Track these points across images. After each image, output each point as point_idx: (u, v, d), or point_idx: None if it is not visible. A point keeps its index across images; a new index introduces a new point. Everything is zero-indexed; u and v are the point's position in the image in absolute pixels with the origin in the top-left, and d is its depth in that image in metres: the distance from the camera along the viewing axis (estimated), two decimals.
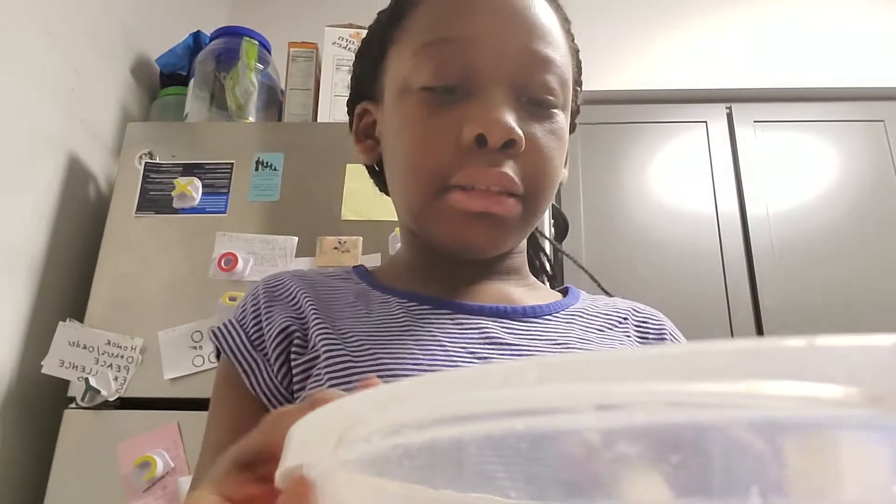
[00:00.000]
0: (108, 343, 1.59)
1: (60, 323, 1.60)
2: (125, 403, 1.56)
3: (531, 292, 0.73)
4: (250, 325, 0.68)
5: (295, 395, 0.64)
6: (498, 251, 0.68)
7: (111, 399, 1.55)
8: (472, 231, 0.63)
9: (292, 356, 0.65)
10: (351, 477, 0.26)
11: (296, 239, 1.67)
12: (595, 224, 2.25)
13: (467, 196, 0.61)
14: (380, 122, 0.72)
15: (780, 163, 2.36)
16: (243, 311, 0.70)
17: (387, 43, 0.70)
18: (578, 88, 0.75)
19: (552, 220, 1.74)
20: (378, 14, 0.74)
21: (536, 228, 0.83)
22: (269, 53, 2.08)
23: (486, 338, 0.63)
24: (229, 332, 0.69)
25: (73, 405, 1.55)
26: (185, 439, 1.49)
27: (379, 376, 0.55)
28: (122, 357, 1.57)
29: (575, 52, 0.72)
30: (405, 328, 0.64)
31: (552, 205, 1.77)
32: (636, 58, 2.56)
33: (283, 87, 2.04)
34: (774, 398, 0.16)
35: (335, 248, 1.65)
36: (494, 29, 0.63)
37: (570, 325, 0.68)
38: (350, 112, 0.78)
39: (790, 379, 0.16)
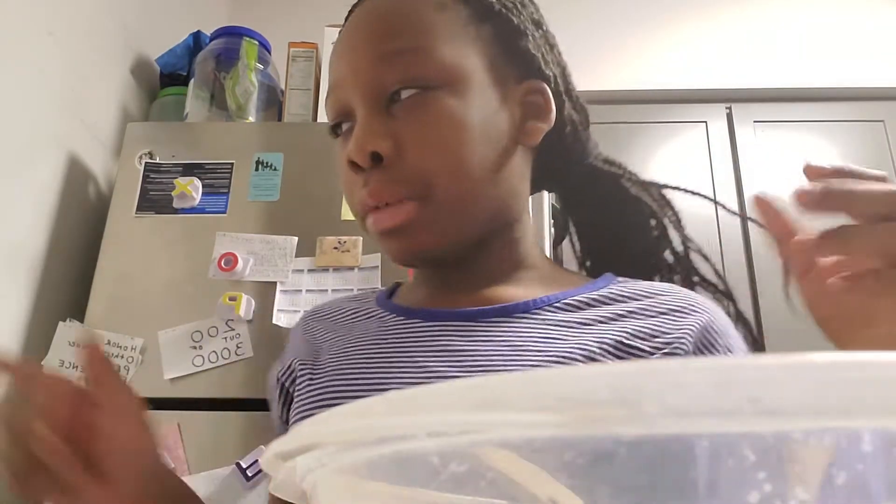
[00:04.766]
0: (108, 343, 1.59)
1: (60, 323, 1.61)
2: None
3: (535, 285, 0.69)
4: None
5: None
6: (430, 253, 0.66)
7: None
8: (391, 247, 0.65)
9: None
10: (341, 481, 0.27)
11: (296, 239, 1.67)
12: None
13: (372, 219, 0.64)
14: None
15: (780, 163, 2.36)
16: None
17: None
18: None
19: (552, 220, 1.74)
20: None
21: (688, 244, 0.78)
22: (269, 53, 2.08)
23: (440, 345, 0.63)
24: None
25: None
26: (185, 439, 1.49)
27: (331, 395, 0.65)
28: (122, 357, 1.58)
29: (498, 27, 0.68)
30: (371, 342, 0.67)
31: (552, 205, 1.77)
32: (636, 58, 2.56)
33: (283, 87, 2.04)
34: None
35: (335, 248, 1.65)
36: (349, 60, 0.66)
37: (544, 321, 0.64)
38: None
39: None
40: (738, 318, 0.75)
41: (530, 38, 0.70)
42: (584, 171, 0.77)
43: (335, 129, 0.70)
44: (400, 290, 0.77)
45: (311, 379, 0.68)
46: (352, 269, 1.63)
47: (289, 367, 0.72)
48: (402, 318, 0.68)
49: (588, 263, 0.82)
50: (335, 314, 0.75)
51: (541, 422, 0.17)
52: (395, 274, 1.60)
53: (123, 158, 1.80)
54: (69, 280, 1.75)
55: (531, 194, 0.77)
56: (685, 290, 0.68)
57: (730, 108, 2.45)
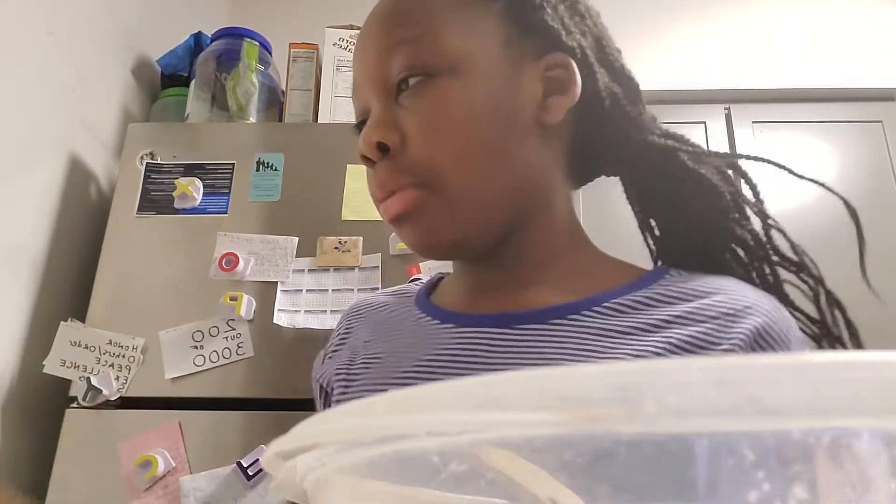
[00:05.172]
0: (110, 343, 1.59)
1: (62, 323, 1.61)
2: (126, 403, 1.56)
3: (575, 281, 0.65)
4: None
5: None
6: (443, 242, 0.64)
7: (112, 398, 1.55)
8: (404, 236, 0.65)
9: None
10: (344, 480, 0.27)
11: (296, 239, 1.67)
12: (594, 224, 2.25)
13: (383, 209, 0.64)
14: None
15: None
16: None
17: None
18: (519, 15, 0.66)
19: None
20: None
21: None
22: (270, 54, 2.08)
23: (472, 356, 0.61)
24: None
25: (74, 405, 1.55)
26: (187, 439, 1.49)
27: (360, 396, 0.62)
28: (123, 357, 1.58)
29: (515, 10, 0.66)
30: (405, 348, 0.66)
31: None
32: (635, 58, 2.55)
33: (283, 87, 2.04)
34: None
35: (335, 248, 1.65)
36: (362, 60, 0.67)
37: (582, 329, 0.60)
38: None
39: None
40: (829, 302, 0.68)
41: (548, 10, 0.66)
42: (640, 150, 0.69)
43: (359, 127, 0.68)
44: (441, 284, 0.75)
45: (346, 385, 0.67)
46: (352, 268, 1.63)
47: (325, 373, 0.72)
48: (436, 321, 0.66)
49: (659, 262, 0.75)
50: (376, 311, 0.74)
51: (541, 421, 0.17)
52: (396, 274, 1.60)
53: (124, 159, 1.80)
54: (70, 280, 1.75)
55: (584, 184, 0.74)
56: (741, 290, 0.61)
57: (728, 109, 2.45)
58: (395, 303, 0.74)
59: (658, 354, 0.56)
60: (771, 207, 0.71)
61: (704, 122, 2.42)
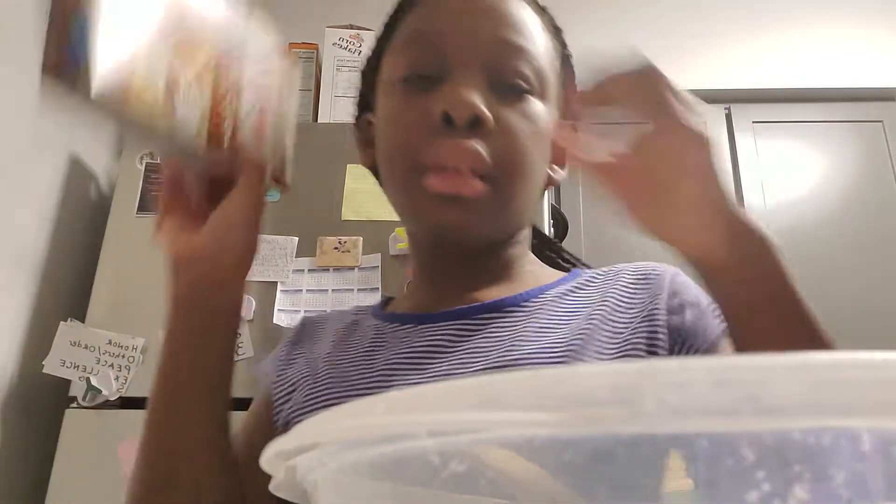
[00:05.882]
0: (109, 343, 1.59)
1: (62, 323, 1.61)
2: (126, 403, 1.56)
3: (521, 283, 0.72)
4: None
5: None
6: (471, 235, 0.67)
7: (112, 398, 1.55)
8: (444, 214, 0.64)
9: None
10: (345, 480, 0.27)
11: (296, 239, 1.67)
12: (595, 224, 2.25)
13: (439, 179, 0.63)
14: (374, 125, 0.74)
15: (779, 163, 2.36)
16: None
17: (381, 53, 0.74)
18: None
19: (552, 221, 1.74)
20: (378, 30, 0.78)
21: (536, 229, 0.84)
22: None
23: (436, 345, 0.65)
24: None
25: (74, 405, 1.55)
26: None
27: (328, 403, 0.65)
28: (123, 357, 1.58)
29: (564, 57, 0.74)
30: (369, 350, 0.69)
31: (552, 205, 1.77)
32: None
33: None
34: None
35: (335, 248, 1.65)
36: (465, 20, 0.67)
37: (535, 312, 0.67)
38: (357, 127, 0.80)
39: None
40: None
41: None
42: None
43: (411, 81, 0.67)
44: (393, 302, 0.79)
45: (311, 388, 0.69)
46: (352, 268, 1.63)
47: (287, 382, 0.75)
48: (396, 324, 0.70)
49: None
50: (331, 325, 0.78)
51: (541, 421, 0.17)
52: (395, 275, 1.60)
53: (125, 159, 1.80)
54: (70, 280, 1.75)
55: None
56: (643, 262, 0.72)
57: (728, 109, 2.45)
58: (351, 318, 0.77)
59: (604, 317, 0.65)
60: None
61: (704, 123, 2.42)
